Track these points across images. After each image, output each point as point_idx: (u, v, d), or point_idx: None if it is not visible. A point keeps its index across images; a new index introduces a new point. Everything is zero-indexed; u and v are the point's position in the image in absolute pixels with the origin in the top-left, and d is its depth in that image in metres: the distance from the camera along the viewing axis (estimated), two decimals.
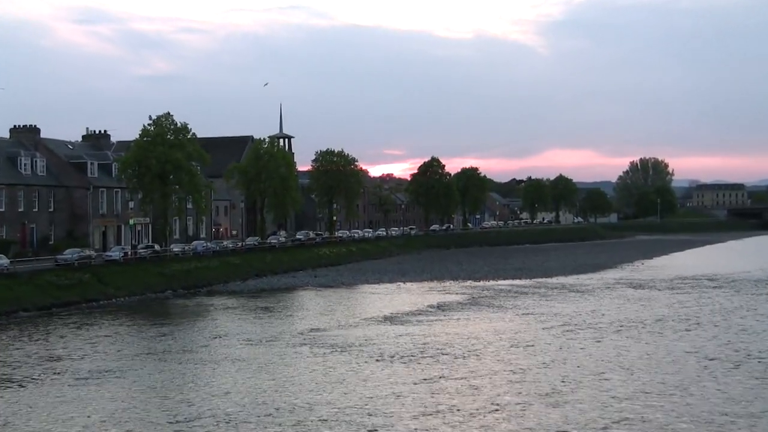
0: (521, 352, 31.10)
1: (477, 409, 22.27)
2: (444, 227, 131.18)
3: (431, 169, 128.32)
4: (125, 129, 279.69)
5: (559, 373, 26.96)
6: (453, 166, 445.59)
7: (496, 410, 22.17)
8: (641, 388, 24.57)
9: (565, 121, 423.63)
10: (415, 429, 20.43)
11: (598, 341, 33.51)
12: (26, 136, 71.05)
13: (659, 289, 55.07)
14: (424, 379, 26.30)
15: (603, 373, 26.97)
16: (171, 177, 66.00)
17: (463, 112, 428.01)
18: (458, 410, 22.19)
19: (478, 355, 30.56)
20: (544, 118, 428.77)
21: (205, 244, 72.57)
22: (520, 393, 24.18)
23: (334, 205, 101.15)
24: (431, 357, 30.26)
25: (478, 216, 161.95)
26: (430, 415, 21.72)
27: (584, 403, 22.69)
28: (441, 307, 46.22)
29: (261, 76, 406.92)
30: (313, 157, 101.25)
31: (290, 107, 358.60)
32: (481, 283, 62.40)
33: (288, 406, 23.09)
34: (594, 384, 25.26)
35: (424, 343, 33.34)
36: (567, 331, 36.45)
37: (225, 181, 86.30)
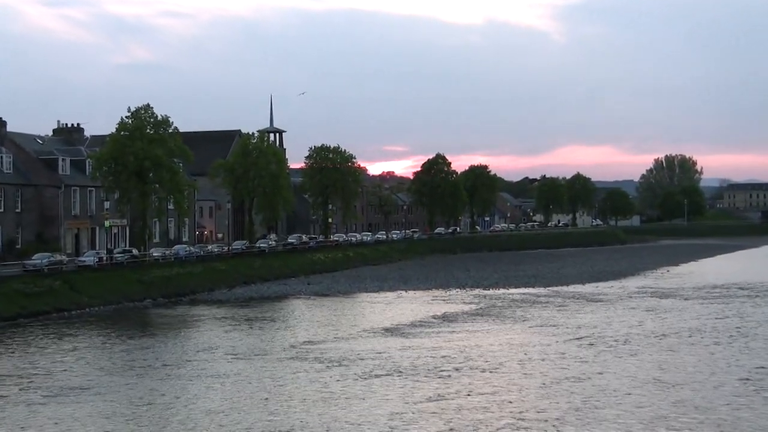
0: (536, 368, 31.07)
1: None
2: (450, 230, 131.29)
3: (436, 166, 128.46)
4: (100, 122, 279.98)
5: (581, 390, 26.97)
6: (460, 163, 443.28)
7: None
8: (678, 406, 24.66)
9: (583, 115, 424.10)
10: None
11: (620, 356, 33.51)
12: None
13: (687, 299, 55.01)
14: (428, 398, 26.29)
15: (630, 389, 27.04)
16: (150, 175, 66.03)
17: (471, 105, 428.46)
18: None
19: (487, 371, 30.56)
20: (559, 112, 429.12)
21: (187, 249, 72.59)
22: (539, 411, 24.19)
23: (330, 206, 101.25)
24: (435, 373, 30.25)
25: (487, 218, 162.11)
26: None
27: (616, 423, 22.68)
28: (446, 318, 46.19)
29: (249, 64, 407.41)
30: (307, 154, 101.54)
31: (281, 99, 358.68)
32: (491, 291, 62.40)
33: (278, 427, 23.06)
34: (621, 401, 25.32)
35: (428, 358, 33.33)
36: (586, 344, 36.43)
37: (210, 180, 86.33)
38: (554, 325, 42.74)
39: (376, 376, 29.84)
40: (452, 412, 24.29)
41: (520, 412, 24.14)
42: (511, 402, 25.50)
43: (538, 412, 24.15)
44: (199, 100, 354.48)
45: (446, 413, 24.19)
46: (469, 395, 26.56)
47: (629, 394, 26.46)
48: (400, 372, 30.47)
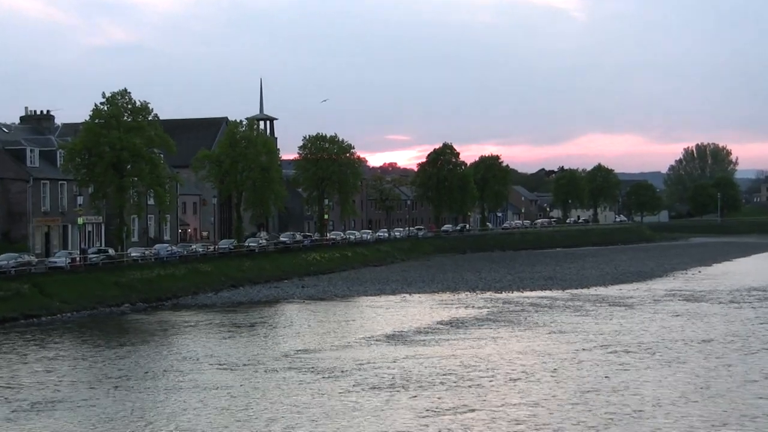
0: (554, 379, 31.10)
1: None
2: (458, 228, 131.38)
3: (443, 157, 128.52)
4: (73, 109, 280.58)
5: (606, 404, 27.01)
6: (469, 154, 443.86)
7: None
8: (731, 416, 24.95)
9: (605, 100, 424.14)
10: None
11: (650, 366, 33.58)
12: None
13: (721, 303, 55.08)
14: (434, 411, 26.30)
15: (673, 400, 27.23)
16: (128, 167, 66.08)
17: (481, 90, 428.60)
18: None
19: (499, 382, 30.59)
20: (579, 97, 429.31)
21: (169, 248, 72.65)
22: (575, 424, 24.21)
23: (326, 202, 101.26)
24: (442, 384, 30.27)
25: (499, 214, 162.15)
26: None
27: None
28: (455, 324, 46.21)
29: (237, 45, 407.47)
30: (301, 144, 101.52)
31: (272, 83, 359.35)
32: (504, 294, 62.44)
33: None
34: (670, 412, 25.57)
35: (436, 368, 33.35)
36: (609, 353, 36.47)
37: (194, 172, 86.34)
38: (574, 332, 42.74)
39: (378, 388, 29.84)
40: (471, 429, 24.26)
41: (544, 425, 24.11)
42: (535, 416, 25.56)
43: (574, 424, 24.13)
44: (182, 85, 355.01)
45: (464, 430, 24.14)
46: (485, 409, 26.55)
47: (673, 404, 26.69)
48: (405, 384, 30.47)
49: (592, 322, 46.60)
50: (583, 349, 37.46)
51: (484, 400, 27.77)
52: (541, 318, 48.41)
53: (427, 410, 26.44)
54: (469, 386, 30.05)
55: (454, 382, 30.61)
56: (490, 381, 30.96)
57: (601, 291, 64.43)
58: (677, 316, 48.90)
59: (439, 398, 28.14)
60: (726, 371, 32.33)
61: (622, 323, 45.98)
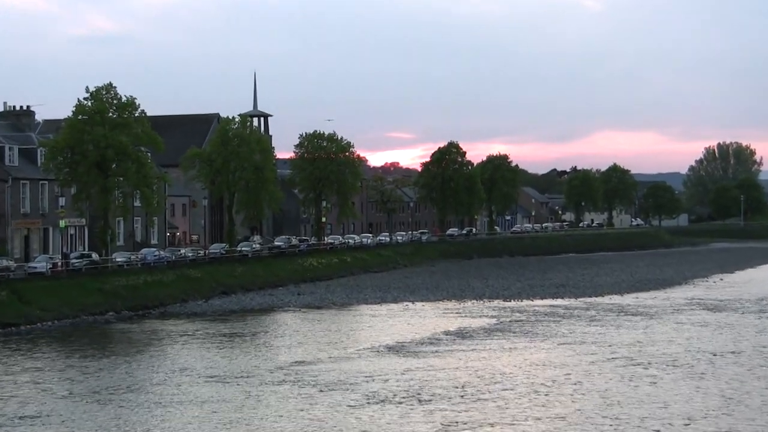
0: (576, 392, 31.12)
1: None
2: (464, 231, 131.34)
3: (448, 156, 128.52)
4: (55, 105, 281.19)
5: (634, 417, 27.04)
6: (476, 153, 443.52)
7: None
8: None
9: (621, 96, 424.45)
10: None
11: (676, 379, 33.56)
12: None
13: (744, 312, 55.10)
14: (441, 427, 26.21)
15: (703, 415, 27.24)
16: (113, 166, 66.06)
17: (489, 85, 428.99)
18: None
19: (518, 395, 30.60)
20: (593, 92, 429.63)
21: (157, 253, 72.64)
22: None
23: (324, 203, 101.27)
24: (448, 398, 30.25)
25: (508, 217, 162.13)
26: None
27: None
28: (461, 335, 46.23)
29: (229, 36, 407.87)
30: (297, 142, 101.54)
31: (267, 78, 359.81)
32: (513, 303, 62.48)
33: None
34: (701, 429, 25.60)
35: (439, 381, 33.33)
36: (630, 365, 36.50)
37: (183, 172, 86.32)
38: (590, 343, 42.76)
39: (379, 402, 29.81)
40: None
41: None
42: (562, 430, 25.56)
43: None
44: (171, 79, 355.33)
45: None
46: (507, 424, 26.57)
47: (705, 417, 26.83)
48: (409, 398, 30.43)
49: (608, 332, 46.60)
50: (601, 361, 37.44)
51: (504, 414, 27.80)
52: (554, 328, 48.38)
53: (444, 425, 26.37)
54: (485, 399, 30.05)
55: (468, 395, 30.56)
56: (508, 394, 30.94)
57: (616, 299, 64.41)
58: (700, 326, 48.88)
59: (454, 412, 28.11)
60: (759, 384, 32.33)
61: (641, 334, 45.95)
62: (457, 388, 32.11)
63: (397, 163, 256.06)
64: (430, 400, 30.08)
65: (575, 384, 32.70)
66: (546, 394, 30.86)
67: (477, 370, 35.74)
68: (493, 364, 37.05)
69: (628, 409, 28.52)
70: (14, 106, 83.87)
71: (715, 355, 39.05)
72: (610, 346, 41.79)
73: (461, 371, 35.46)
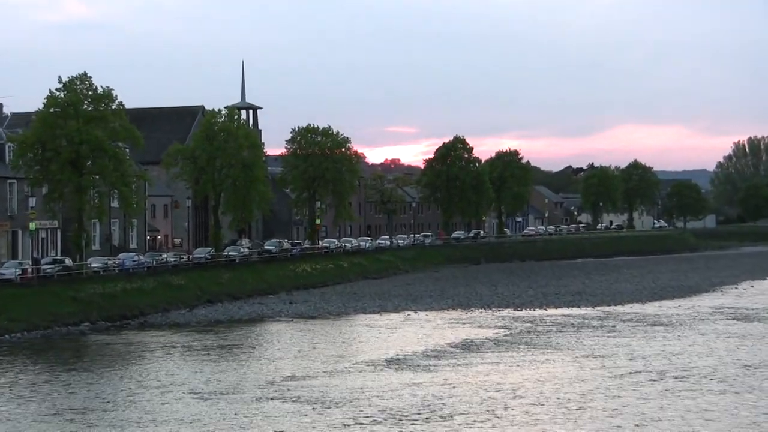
0: (585, 413, 31.00)
1: None
2: (471, 234, 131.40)
3: (454, 153, 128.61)
4: (24, 96, 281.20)
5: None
6: (484, 149, 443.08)
7: None
8: None
9: (642, 87, 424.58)
10: None
11: (710, 393, 33.59)
12: None
13: None
14: None
15: None
16: (88, 163, 66.07)
17: (498, 75, 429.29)
18: None
19: (539, 413, 30.55)
20: (611, 82, 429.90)
21: (136, 258, 72.61)
22: None
23: (318, 204, 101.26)
24: (453, 418, 30.17)
25: (519, 219, 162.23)
26: None
27: None
28: (468, 347, 46.22)
29: (215, 24, 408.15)
30: (289, 137, 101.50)
31: (256, 67, 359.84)
32: (524, 312, 62.50)
33: None
34: None
35: (444, 398, 33.27)
36: (653, 380, 36.47)
37: (165, 170, 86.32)
38: (608, 356, 42.73)
39: (379, 422, 29.74)
40: None
41: None
42: None
43: None
44: (152, 69, 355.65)
45: None
46: None
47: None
48: (411, 417, 30.35)
49: (629, 344, 46.54)
50: (624, 375, 37.39)
51: None
52: (570, 340, 48.38)
53: None
54: (499, 420, 29.96)
55: (477, 415, 30.46)
56: (525, 412, 30.85)
57: (637, 308, 64.38)
58: (730, 337, 48.82)
59: None
60: None
61: (666, 346, 45.90)
62: (464, 405, 32.03)
63: (398, 159, 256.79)
64: (433, 420, 29.99)
65: (602, 400, 32.61)
66: (571, 412, 30.74)
67: (485, 386, 35.66)
68: (504, 380, 36.97)
69: (668, 426, 28.51)
70: None
71: (749, 367, 39.00)
72: (632, 359, 41.72)
73: (468, 387, 35.37)
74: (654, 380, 36.40)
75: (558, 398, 33.14)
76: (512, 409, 31.40)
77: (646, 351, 44.13)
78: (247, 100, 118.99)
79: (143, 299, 62.83)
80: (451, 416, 30.43)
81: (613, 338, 48.83)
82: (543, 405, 32.04)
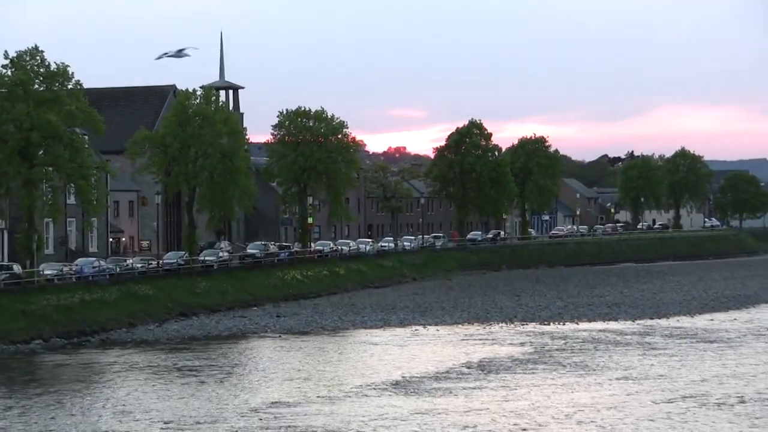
0: None
1: None
2: (490, 235, 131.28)
3: (469, 139, 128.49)
4: None
5: None
6: (505, 135, 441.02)
7: None
8: None
9: (690, 63, 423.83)
10: None
11: (755, 429, 33.52)
12: None
13: None
14: None
15: None
16: (40, 153, 66.01)
17: (521, 50, 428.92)
18: None
19: None
20: (653, 57, 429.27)
21: (96, 264, 72.58)
22: None
23: (310, 200, 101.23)
24: None
25: (546, 217, 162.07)
26: None
27: None
28: (486, 368, 46.24)
29: None
30: (275, 121, 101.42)
31: (237, 40, 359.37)
32: (552, 327, 62.58)
33: None
34: None
35: (458, 428, 33.20)
36: (699, 408, 36.39)
37: (130, 161, 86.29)
38: (651, 378, 42.71)
39: None
40: None
41: None
42: None
43: None
44: (115, 43, 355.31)
45: None
46: None
47: None
48: None
49: (676, 364, 46.57)
50: (673, 401, 37.41)
51: None
52: (607, 359, 48.38)
53: None
54: None
55: None
56: None
57: (686, 322, 64.46)
58: None
59: None
60: None
61: (720, 367, 45.89)
62: None
63: (404, 148, 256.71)
64: None
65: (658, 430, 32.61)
66: None
67: (509, 414, 35.63)
68: (529, 407, 36.92)
69: None
70: None
71: None
72: (679, 382, 41.70)
73: (486, 416, 35.33)
74: (706, 408, 36.32)
75: (592, 429, 33.14)
76: None
77: (696, 373, 44.10)
78: (227, 78, 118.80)
79: (105, 312, 62.80)
80: None
81: (657, 358, 48.78)
82: None
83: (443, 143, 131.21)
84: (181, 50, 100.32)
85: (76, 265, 71.77)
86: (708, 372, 44.30)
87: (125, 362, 49.75)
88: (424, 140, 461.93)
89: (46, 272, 67.62)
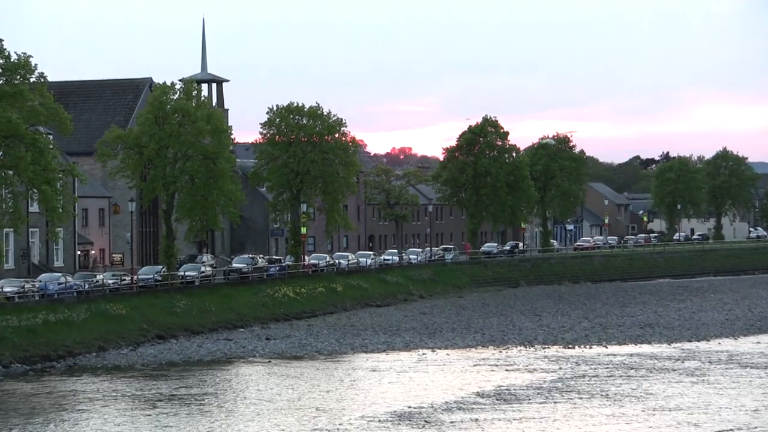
0: None
1: None
2: (507, 247, 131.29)
3: (484, 139, 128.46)
4: None
5: None
6: (523, 134, 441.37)
7: None
8: None
9: (731, 54, 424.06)
10: None
11: None
12: None
13: None
14: None
15: None
16: None
17: (541, 38, 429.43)
18: None
19: None
20: (691, 48, 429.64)
21: (62, 280, 72.60)
22: None
23: (304, 208, 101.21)
24: None
25: (570, 227, 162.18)
26: None
27: None
28: (502, 397, 46.29)
29: None
30: (264, 119, 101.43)
31: (221, 29, 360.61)
32: (578, 351, 62.68)
33: None
34: None
35: None
36: None
37: (100, 163, 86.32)
38: (689, 408, 42.78)
39: None
40: None
41: None
42: None
43: None
44: (84, 31, 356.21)
45: None
46: None
47: None
48: None
49: (719, 393, 46.60)
50: None
51: None
52: (639, 387, 48.43)
53: None
54: None
55: None
56: None
57: (728, 345, 64.58)
58: None
59: None
60: None
61: (761, 397, 45.85)
62: None
63: (410, 148, 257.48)
64: None
65: None
66: None
67: None
68: None
69: None
70: None
71: None
72: (723, 414, 41.80)
73: None
74: None
75: None
76: None
77: (740, 403, 44.09)
78: (209, 70, 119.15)
79: (72, 335, 62.78)
80: None
81: (696, 386, 48.82)
82: None
83: (454, 143, 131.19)
84: None
85: (40, 281, 71.82)
86: (754, 402, 44.30)
87: (95, 391, 49.71)
88: (433, 140, 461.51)
89: (6, 289, 67.61)
